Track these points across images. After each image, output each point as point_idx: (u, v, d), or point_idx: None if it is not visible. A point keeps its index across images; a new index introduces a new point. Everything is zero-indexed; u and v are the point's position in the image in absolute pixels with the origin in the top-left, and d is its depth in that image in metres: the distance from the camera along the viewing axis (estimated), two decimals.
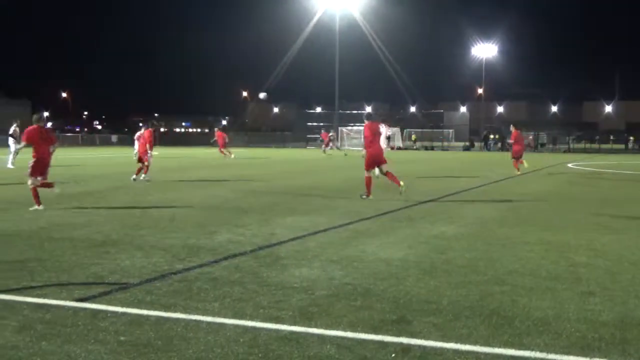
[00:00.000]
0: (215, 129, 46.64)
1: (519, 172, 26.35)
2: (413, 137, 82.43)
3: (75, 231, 10.57)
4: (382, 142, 24.19)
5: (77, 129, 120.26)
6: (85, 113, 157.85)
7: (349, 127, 79.84)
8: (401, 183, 15.87)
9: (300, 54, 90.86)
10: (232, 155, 40.00)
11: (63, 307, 6.11)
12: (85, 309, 6.06)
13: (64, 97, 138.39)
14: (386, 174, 16.10)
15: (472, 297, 6.63)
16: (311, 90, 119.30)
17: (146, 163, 21.59)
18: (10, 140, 29.99)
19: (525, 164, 27.71)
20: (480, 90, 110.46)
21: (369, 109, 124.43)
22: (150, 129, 21.98)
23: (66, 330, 5.40)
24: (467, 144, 74.87)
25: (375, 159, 15.82)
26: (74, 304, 6.20)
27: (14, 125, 30.10)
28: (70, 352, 4.91)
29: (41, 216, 12.29)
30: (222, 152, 40.96)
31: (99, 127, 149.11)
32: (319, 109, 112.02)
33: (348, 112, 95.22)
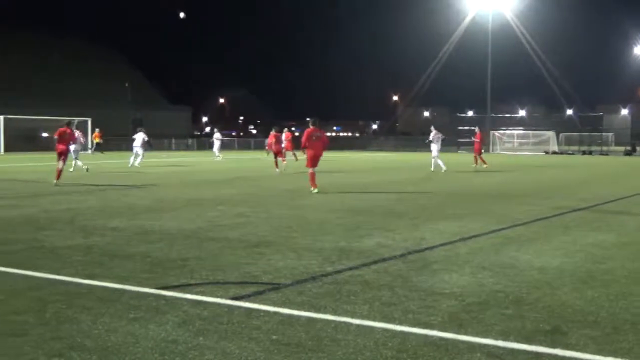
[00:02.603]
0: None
1: (475, 165, 33.12)
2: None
3: (231, 232, 10.98)
4: (434, 147, 29.57)
5: (233, 134, 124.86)
6: (241, 118, 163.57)
7: (502, 131, 77.91)
8: (314, 190, 17.93)
9: (452, 57, 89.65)
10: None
11: (219, 304, 6.37)
12: (240, 307, 6.28)
13: (221, 103, 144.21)
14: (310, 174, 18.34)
15: (633, 309, 6.29)
16: (462, 94, 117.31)
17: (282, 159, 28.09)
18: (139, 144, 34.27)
19: (484, 164, 32.96)
20: None
21: (522, 112, 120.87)
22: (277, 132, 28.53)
23: (222, 327, 5.62)
24: (629, 148, 71.03)
25: (316, 158, 18.37)
26: (230, 302, 6.44)
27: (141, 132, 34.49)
28: (225, 348, 5.10)
29: (200, 216, 12.85)
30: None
31: (254, 131, 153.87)
32: (470, 113, 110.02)
33: (501, 115, 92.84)
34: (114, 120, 76.37)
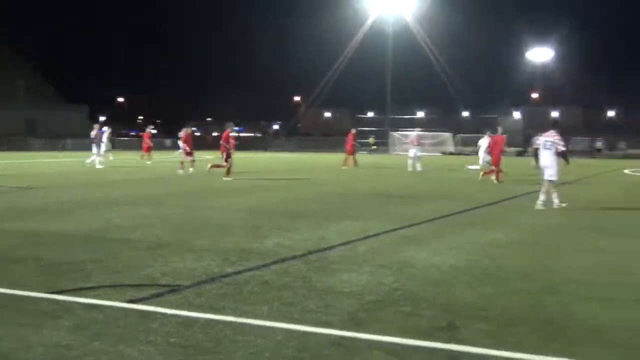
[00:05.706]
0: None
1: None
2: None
3: (131, 233, 10.73)
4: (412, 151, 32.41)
5: (132, 133, 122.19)
6: (140, 117, 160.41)
7: (400, 132, 79.35)
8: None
9: (353, 59, 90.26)
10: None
11: (115, 307, 6.21)
12: (137, 310, 6.15)
13: (120, 102, 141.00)
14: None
15: (524, 305, 6.53)
16: (363, 96, 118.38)
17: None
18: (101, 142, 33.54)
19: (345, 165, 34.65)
20: (534, 95, 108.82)
21: (421, 114, 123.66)
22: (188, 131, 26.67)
23: (118, 331, 5.48)
24: (521, 149, 73.76)
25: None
26: (126, 305, 6.29)
27: (95, 129, 33.39)
28: (122, 352, 4.98)
29: (98, 218, 12.50)
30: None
31: (154, 131, 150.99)
32: (371, 114, 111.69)
33: (400, 117, 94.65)
34: (5, 120, 73.42)
